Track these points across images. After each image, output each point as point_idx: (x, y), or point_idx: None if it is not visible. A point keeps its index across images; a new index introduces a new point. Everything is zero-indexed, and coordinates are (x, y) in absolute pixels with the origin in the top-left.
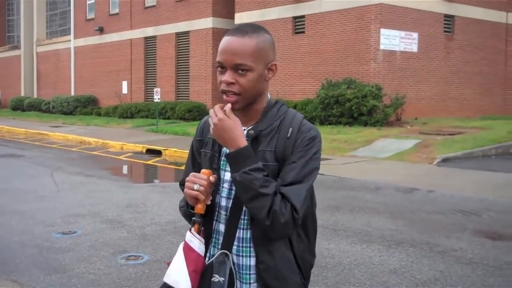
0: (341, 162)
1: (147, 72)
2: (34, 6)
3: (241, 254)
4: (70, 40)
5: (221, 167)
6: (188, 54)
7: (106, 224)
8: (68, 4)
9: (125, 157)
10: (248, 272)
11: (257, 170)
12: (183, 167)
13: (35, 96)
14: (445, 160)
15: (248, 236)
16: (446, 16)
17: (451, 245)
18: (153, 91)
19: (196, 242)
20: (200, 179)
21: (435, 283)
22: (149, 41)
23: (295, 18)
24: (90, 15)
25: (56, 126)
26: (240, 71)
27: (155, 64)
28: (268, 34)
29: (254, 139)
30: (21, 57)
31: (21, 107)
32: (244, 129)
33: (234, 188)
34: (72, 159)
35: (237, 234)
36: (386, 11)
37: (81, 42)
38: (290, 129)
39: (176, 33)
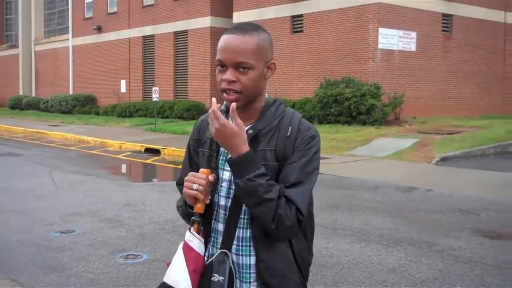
0: (339, 161)
1: (145, 71)
2: (32, 5)
3: (240, 253)
4: (68, 39)
5: (220, 166)
6: (187, 53)
7: (105, 223)
8: (66, 3)
9: (123, 156)
10: (248, 271)
11: (260, 176)
12: (181, 166)
13: (33, 95)
14: (443, 159)
15: (248, 235)
16: (444, 15)
17: (449, 244)
18: (151, 90)
19: (195, 242)
20: (199, 179)
21: (433, 282)
22: (147, 40)
23: (293, 17)
24: (88, 14)
25: (55, 125)
26: (241, 69)
27: (154, 63)
28: (266, 33)
29: (253, 138)
30: (19, 56)
31: (19, 106)
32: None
33: (233, 187)
34: (71, 158)
35: (236, 233)
36: (384, 10)
37: (79, 41)
38: (290, 128)
39: (174, 32)
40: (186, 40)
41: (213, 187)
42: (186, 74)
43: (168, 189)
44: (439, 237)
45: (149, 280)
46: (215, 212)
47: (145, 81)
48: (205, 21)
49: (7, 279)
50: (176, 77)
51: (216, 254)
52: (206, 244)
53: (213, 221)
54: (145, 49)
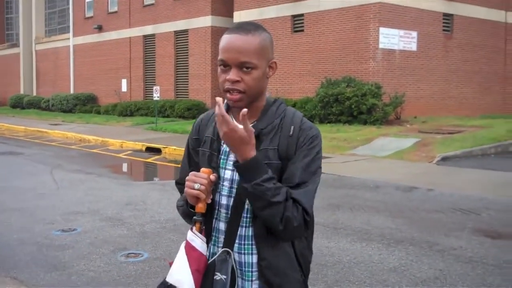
0: (340, 160)
1: (146, 70)
2: (33, 4)
3: (243, 251)
4: (69, 38)
5: (221, 166)
6: (187, 53)
7: (106, 222)
8: (66, 2)
9: (124, 155)
10: (250, 269)
11: (268, 180)
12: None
13: (34, 94)
14: (444, 159)
15: (250, 233)
16: (445, 15)
17: (450, 243)
18: (152, 89)
19: (198, 241)
20: (200, 178)
21: (434, 281)
22: (148, 39)
23: (294, 16)
24: (89, 13)
25: (56, 124)
26: (244, 69)
27: (154, 62)
28: (267, 32)
29: (255, 138)
30: (20, 55)
31: (20, 105)
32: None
33: (234, 186)
34: (72, 157)
35: (238, 232)
36: (385, 9)
37: (80, 40)
38: (292, 127)
39: (175, 31)
40: (187, 39)
41: (214, 186)
42: (187, 73)
43: (169, 188)
44: (440, 237)
45: (150, 278)
46: (216, 211)
47: (146, 80)
48: (206, 21)
49: (8, 277)
50: (177, 76)
51: (218, 253)
52: (207, 243)
53: (214, 220)
54: (146, 48)
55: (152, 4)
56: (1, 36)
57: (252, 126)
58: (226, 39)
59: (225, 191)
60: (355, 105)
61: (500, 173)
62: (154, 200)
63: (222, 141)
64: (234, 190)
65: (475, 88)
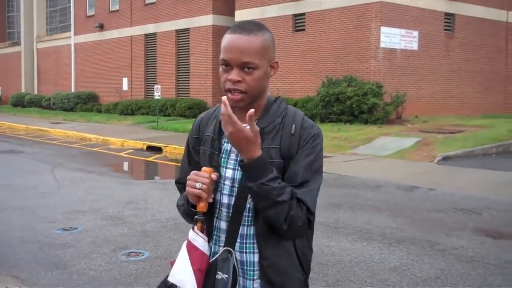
0: (341, 160)
1: (147, 69)
2: (34, 2)
3: (244, 250)
4: (70, 37)
5: (222, 165)
6: (188, 51)
7: (107, 221)
8: (68, 0)
9: (125, 153)
10: (252, 268)
11: (273, 179)
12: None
13: (35, 92)
14: (445, 158)
15: (252, 232)
16: (447, 14)
17: (451, 243)
18: (153, 88)
19: (200, 241)
20: (202, 177)
21: (435, 281)
22: (149, 38)
23: (295, 15)
24: (90, 12)
25: (57, 123)
26: (246, 69)
27: (155, 61)
28: (269, 32)
29: None
30: (22, 54)
31: (21, 103)
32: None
33: (236, 185)
34: (73, 156)
35: (240, 231)
36: (386, 9)
37: (81, 38)
38: (293, 126)
39: (176, 30)
40: (188, 38)
41: (215, 185)
42: (188, 72)
43: (169, 187)
44: (441, 236)
45: (151, 277)
46: (217, 210)
47: (147, 79)
48: (207, 19)
49: (9, 276)
50: (178, 75)
51: (220, 252)
52: (208, 242)
53: (215, 219)
54: (147, 47)
55: (154, 3)
56: (3, 34)
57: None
58: (228, 39)
59: (226, 190)
60: (356, 105)
61: (501, 173)
62: (155, 199)
63: (223, 140)
64: (235, 189)
65: (476, 87)
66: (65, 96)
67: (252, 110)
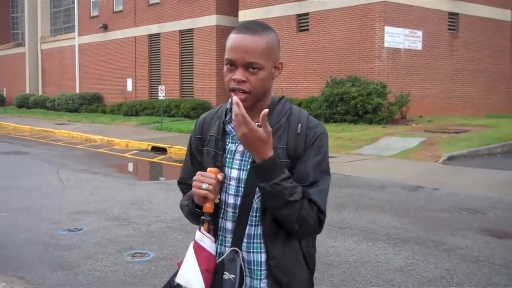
0: (346, 160)
1: (151, 69)
2: (38, 3)
3: (252, 250)
4: (74, 38)
5: (227, 165)
6: (192, 52)
7: (112, 222)
8: (72, 1)
9: (130, 154)
10: (259, 268)
11: (285, 179)
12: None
13: (40, 93)
14: (450, 158)
15: (259, 232)
16: (451, 14)
17: (456, 243)
18: (157, 88)
19: (207, 241)
20: (208, 178)
21: (441, 281)
22: (153, 38)
23: (299, 15)
24: (94, 13)
25: (61, 124)
26: (251, 69)
27: (159, 62)
28: (274, 33)
29: None
30: (26, 54)
31: (26, 104)
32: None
33: (242, 185)
34: (77, 157)
35: (247, 231)
36: (390, 8)
37: (85, 39)
38: (299, 125)
39: (180, 30)
40: (192, 38)
41: (220, 185)
42: (192, 73)
43: (174, 187)
44: (446, 236)
45: (156, 278)
46: (222, 211)
47: (151, 79)
48: (211, 20)
49: (15, 277)
50: (182, 76)
51: (227, 252)
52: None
53: (220, 219)
54: (151, 48)
55: (157, 3)
56: (7, 35)
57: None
58: (233, 39)
59: (232, 190)
60: (360, 105)
61: (506, 173)
62: (159, 200)
63: (227, 140)
64: (241, 189)
65: (480, 87)
66: (69, 97)
67: (266, 110)
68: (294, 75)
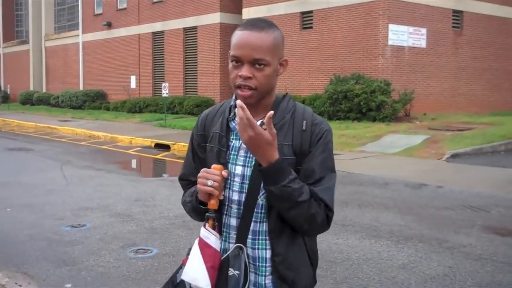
0: (349, 157)
1: (155, 67)
2: (42, 1)
3: (257, 246)
4: (78, 35)
5: (231, 161)
6: (196, 49)
7: (115, 218)
8: None
9: (133, 151)
10: (264, 264)
11: (293, 180)
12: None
13: (44, 90)
14: (454, 156)
15: (264, 229)
16: (455, 11)
17: (460, 241)
18: (161, 86)
19: (212, 238)
20: (213, 175)
21: (444, 278)
22: (157, 36)
23: (302, 13)
24: (98, 10)
25: (65, 120)
26: (257, 66)
27: (163, 59)
28: (279, 30)
29: None
30: (30, 52)
31: (30, 101)
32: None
33: (246, 182)
34: (81, 153)
35: (252, 227)
36: (394, 6)
37: (90, 37)
38: (304, 122)
39: (184, 28)
40: (196, 36)
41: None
42: (196, 70)
43: (177, 184)
44: (450, 234)
45: (159, 274)
46: (226, 207)
47: (155, 77)
48: (215, 17)
49: (19, 272)
50: (186, 73)
51: (231, 249)
52: None
53: (224, 216)
54: (155, 45)
55: (161, 1)
56: (11, 33)
57: (262, 124)
58: (239, 36)
59: (236, 187)
60: (364, 102)
61: (510, 170)
62: (163, 196)
63: (231, 137)
64: (245, 186)
65: (484, 85)
66: (73, 94)
67: (271, 112)
68: (298, 72)
